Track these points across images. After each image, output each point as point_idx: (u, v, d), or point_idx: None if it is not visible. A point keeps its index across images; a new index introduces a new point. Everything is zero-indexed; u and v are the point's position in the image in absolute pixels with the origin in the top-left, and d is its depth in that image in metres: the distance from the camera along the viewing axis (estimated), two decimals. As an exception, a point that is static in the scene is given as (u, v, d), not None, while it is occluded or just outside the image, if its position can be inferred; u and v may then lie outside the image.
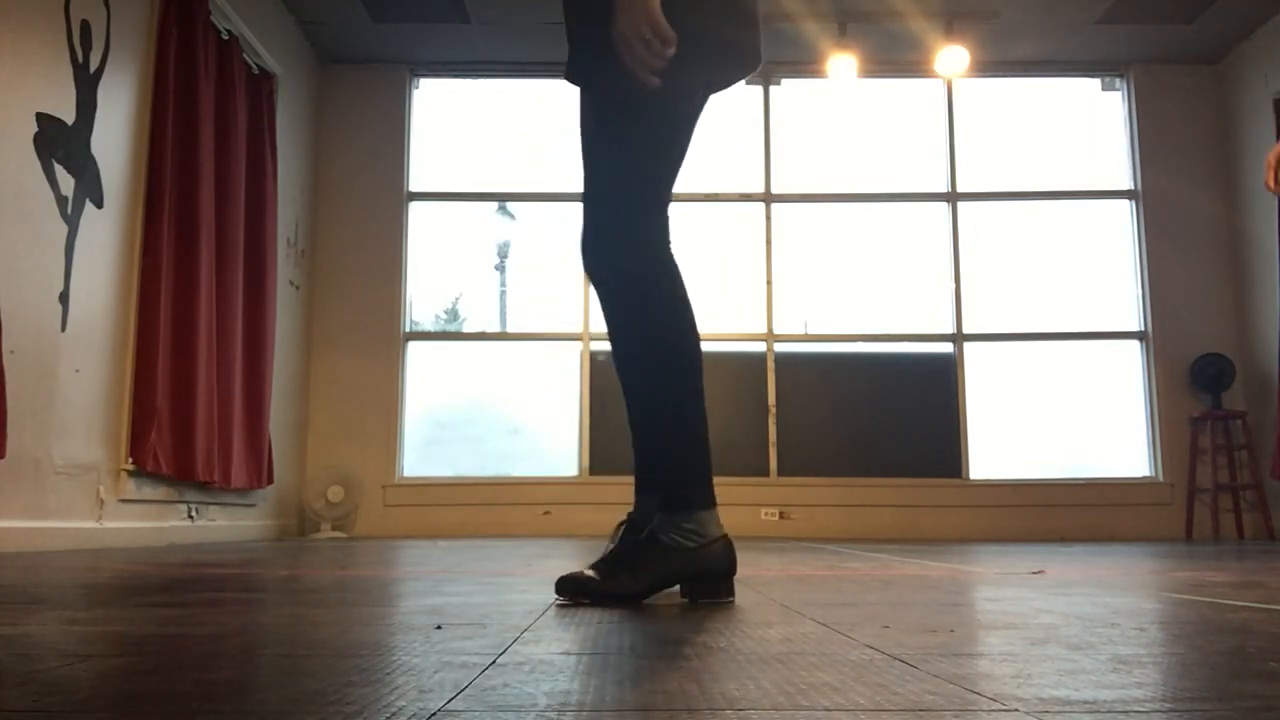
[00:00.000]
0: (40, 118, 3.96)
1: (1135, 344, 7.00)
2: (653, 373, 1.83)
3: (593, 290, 1.98)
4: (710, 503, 1.81)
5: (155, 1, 4.84)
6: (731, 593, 1.81)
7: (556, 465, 6.86)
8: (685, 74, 1.83)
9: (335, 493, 6.48)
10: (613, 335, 1.88)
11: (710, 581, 1.79)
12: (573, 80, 1.91)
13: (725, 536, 1.80)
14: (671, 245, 1.87)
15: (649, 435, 1.85)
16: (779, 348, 6.99)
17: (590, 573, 1.75)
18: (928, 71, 6.87)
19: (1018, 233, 7.18)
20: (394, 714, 0.78)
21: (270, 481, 5.94)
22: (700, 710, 0.80)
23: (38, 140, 3.94)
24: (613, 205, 1.84)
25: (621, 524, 1.95)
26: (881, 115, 7.35)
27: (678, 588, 1.81)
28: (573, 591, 1.74)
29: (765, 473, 6.82)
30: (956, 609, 1.68)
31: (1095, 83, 7.33)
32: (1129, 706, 0.82)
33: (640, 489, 1.97)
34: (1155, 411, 6.84)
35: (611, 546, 1.95)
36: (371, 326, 6.94)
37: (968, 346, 6.99)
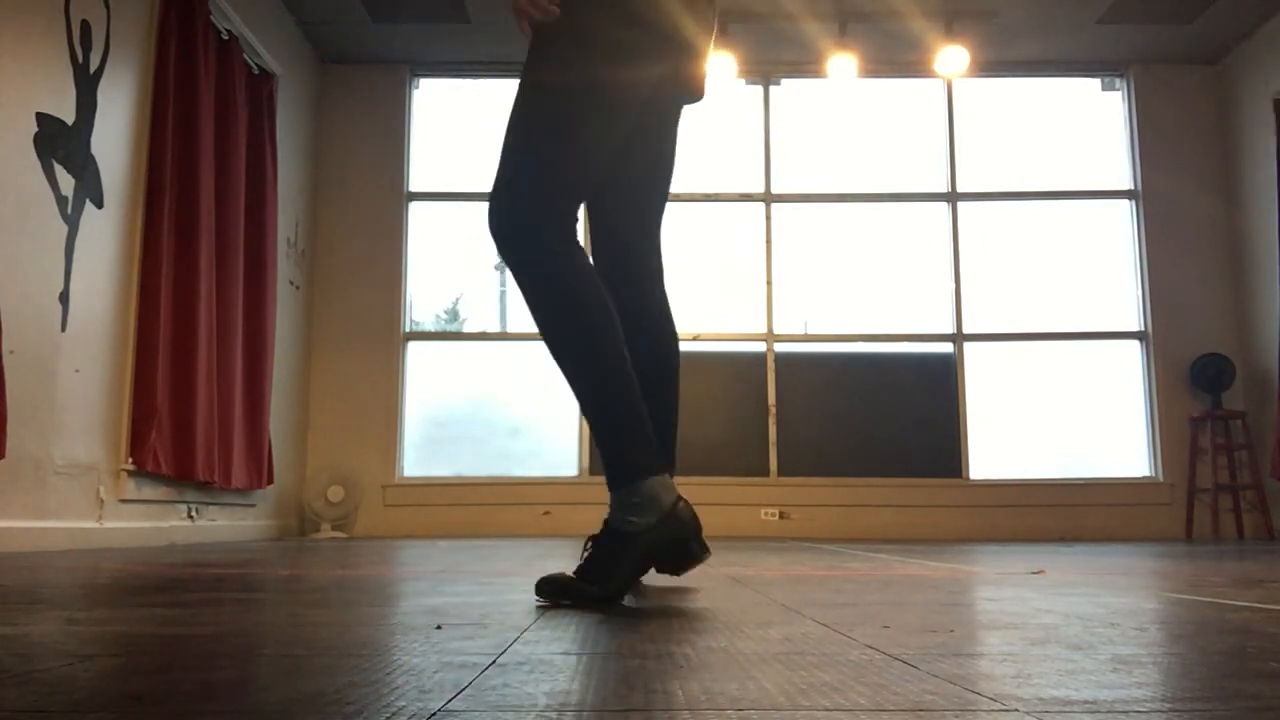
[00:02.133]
0: (40, 118, 3.96)
1: (1135, 344, 7.00)
2: (571, 349, 1.81)
3: None
4: (654, 468, 1.77)
5: (155, 1, 4.84)
6: (706, 550, 1.79)
7: (556, 465, 6.86)
8: (627, 65, 1.86)
9: (335, 493, 6.48)
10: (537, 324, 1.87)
11: (681, 548, 1.77)
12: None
13: (680, 498, 1.77)
14: (570, 236, 1.84)
15: (590, 420, 1.83)
16: (779, 348, 6.99)
17: (570, 574, 1.74)
18: (928, 71, 6.87)
19: (1018, 233, 7.18)
20: (394, 714, 0.78)
21: (270, 481, 5.93)
22: (701, 710, 0.80)
23: (38, 140, 3.94)
24: (512, 186, 1.83)
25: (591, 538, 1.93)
26: (881, 115, 7.35)
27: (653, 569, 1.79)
28: (552, 594, 1.72)
29: (765, 473, 6.82)
30: (956, 609, 1.68)
31: (1095, 83, 7.34)
32: (1129, 706, 0.82)
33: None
34: (1155, 411, 6.84)
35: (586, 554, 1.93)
36: (371, 326, 6.94)
37: (968, 346, 6.99)
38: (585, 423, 1.89)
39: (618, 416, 1.78)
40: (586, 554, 1.78)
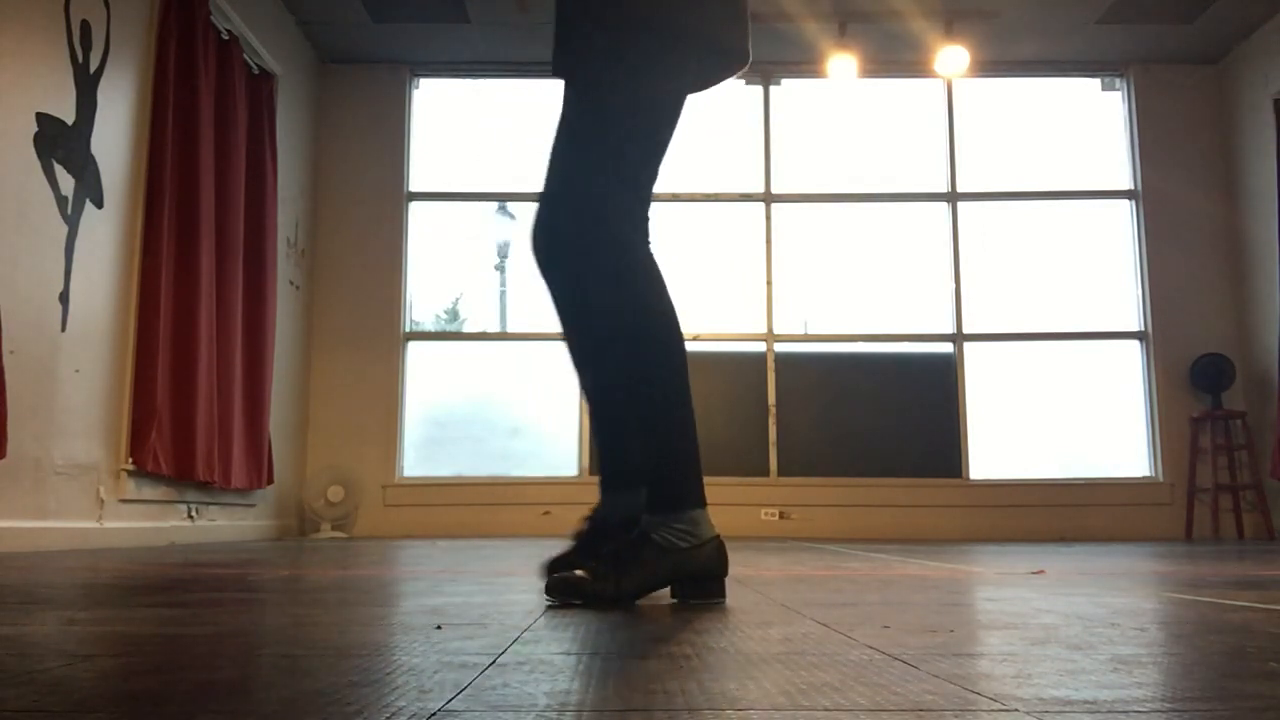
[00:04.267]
0: (40, 118, 3.96)
1: (1135, 344, 7.00)
2: (643, 370, 1.78)
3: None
4: (702, 501, 1.78)
5: (155, 1, 4.84)
6: (723, 593, 1.79)
7: (556, 465, 6.86)
8: (676, 67, 1.84)
9: (335, 493, 6.48)
10: (584, 331, 1.85)
11: (703, 583, 1.76)
12: (559, 74, 1.89)
13: (717, 536, 1.77)
14: (651, 243, 1.85)
15: (638, 433, 1.81)
16: (779, 348, 6.99)
17: (581, 573, 1.72)
18: (928, 71, 6.87)
19: (1018, 233, 7.18)
20: (394, 714, 0.78)
21: (270, 481, 5.93)
22: (700, 710, 0.80)
23: (38, 140, 3.94)
24: (595, 196, 1.81)
25: (585, 519, 1.94)
26: (881, 115, 7.35)
27: (668, 588, 1.79)
28: (564, 593, 1.71)
29: (765, 473, 6.82)
30: (956, 609, 1.68)
31: (1095, 83, 7.33)
32: (1129, 706, 0.82)
33: (607, 487, 1.95)
34: (1155, 411, 6.84)
35: (573, 544, 1.94)
36: (371, 326, 6.94)
37: (968, 346, 6.99)
38: (596, 426, 1.86)
39: (679, 441, 1.77)
40: (587, 535, 1.76)
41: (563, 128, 1.86)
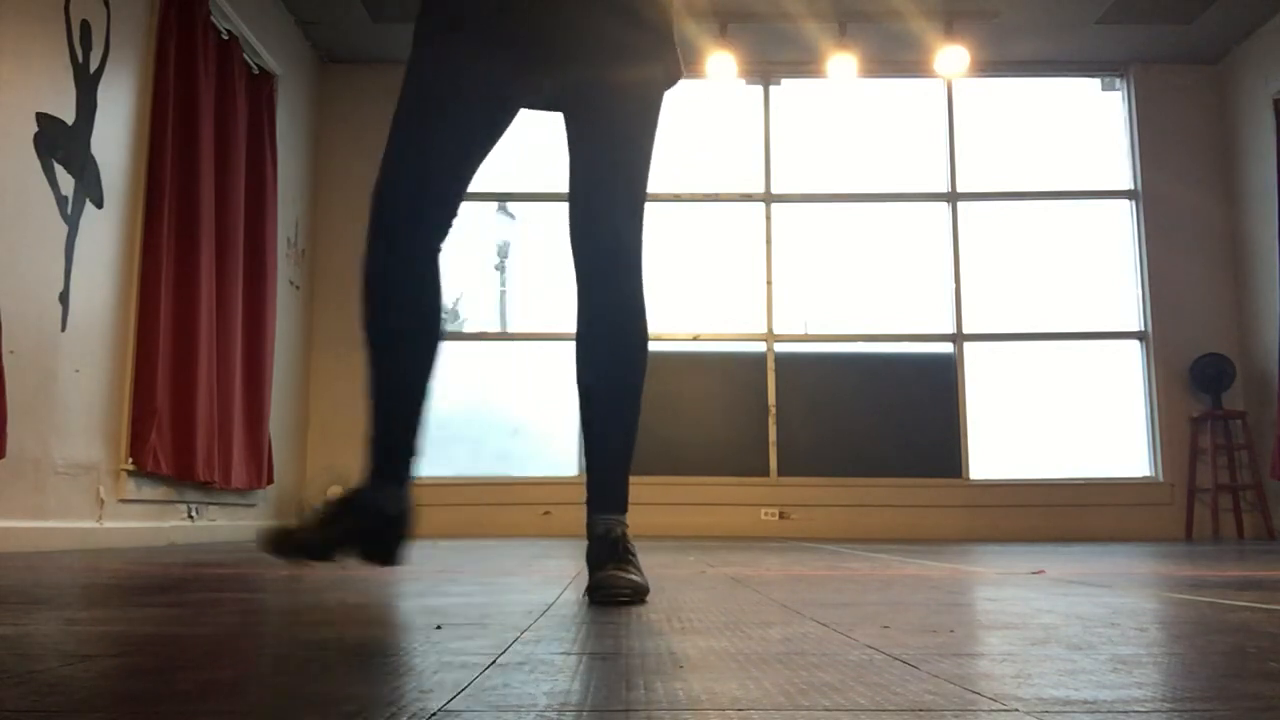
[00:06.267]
0: (40, 118, 3.96)
1: (1135, 344, 7.00)
2: (637, 394, 1.90)
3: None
4: None
5: (155, 1, 4.84)
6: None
7: (556, 465, 6.86)
8: None
9: (335, 493, 6.47)
10: (620, 367, 1.88)
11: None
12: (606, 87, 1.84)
13: None
14: None
15: (626, 456, 1.90)
16: (779, 348, 6.99)
17: (640, 578, 1.75)
18: (928, 71, 6.87)
19: (1018, 233, 7.18)
20: (394, 714, 0.78)
21: (270, 481, 5.93)
22: (701, 710, 0.80)
23: (38, 140, 3.94)
24: (640, 233, 1.88)
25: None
26: (881, 115, 7.35)
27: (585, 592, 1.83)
28: (636, 596, 1.72)
29: (765, 473, 6.82)
30: (956, 609, 1.68)
31: (1095, 83, 7.34)
32: (1129, 706, 0.82)
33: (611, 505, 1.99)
34: (1155, 411, 6.84)
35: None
36: (371, 326, 6.93)
37: (968, 346, 6.99)
38: (620, 454, 1.95)
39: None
40: (632, 555, 1.79)
41: (628, 144, 1.84)
